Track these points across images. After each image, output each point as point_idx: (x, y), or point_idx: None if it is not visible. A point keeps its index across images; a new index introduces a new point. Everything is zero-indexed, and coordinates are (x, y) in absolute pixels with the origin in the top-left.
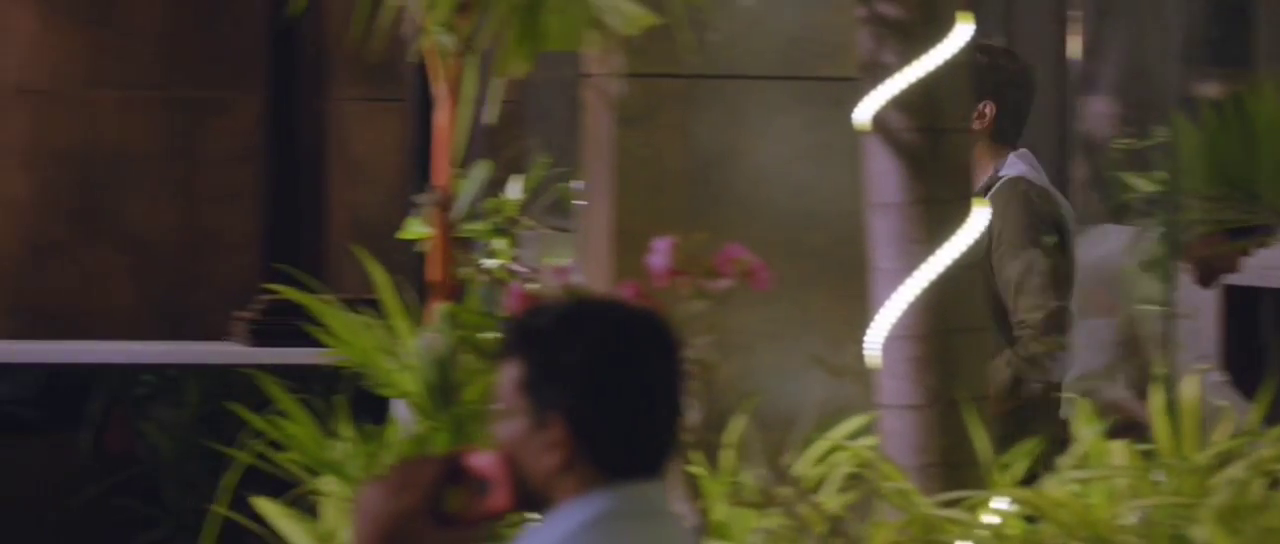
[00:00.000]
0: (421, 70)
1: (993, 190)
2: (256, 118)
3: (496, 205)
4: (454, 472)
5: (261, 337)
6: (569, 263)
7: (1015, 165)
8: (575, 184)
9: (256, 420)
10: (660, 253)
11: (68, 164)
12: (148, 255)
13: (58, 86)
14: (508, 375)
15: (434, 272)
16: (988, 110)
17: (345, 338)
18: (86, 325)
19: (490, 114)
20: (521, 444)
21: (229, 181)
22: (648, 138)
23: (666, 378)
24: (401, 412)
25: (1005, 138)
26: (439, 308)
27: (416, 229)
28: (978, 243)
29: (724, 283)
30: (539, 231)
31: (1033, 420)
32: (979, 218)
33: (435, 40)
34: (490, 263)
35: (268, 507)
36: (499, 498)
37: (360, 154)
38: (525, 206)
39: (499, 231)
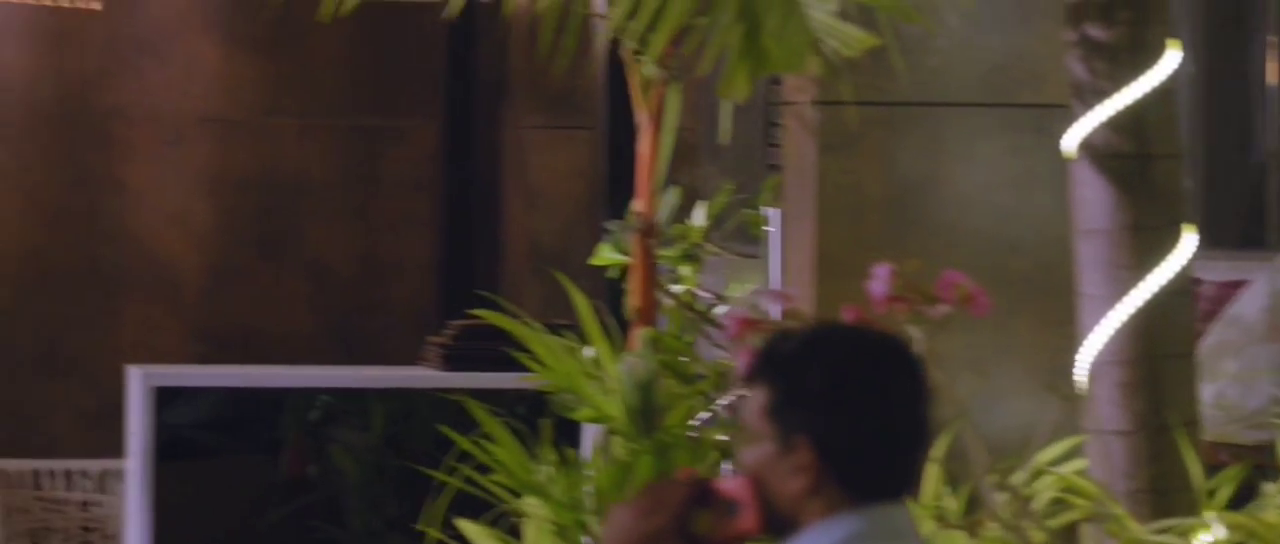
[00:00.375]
0: (611, 98)
1: None
2: (433, 145)
3: (682, 231)
4: (703, 494)
5: (454, 361)
6: (790, 289)
7: None
8: (764, 210)
9: (464, 443)
10: (879, 279)
11: (249, 191)
12: (326, 281)
13: (239, 115)
14: (754, 401)
15: (636, 297)
16: None
17: (549, 363)
18: (265, 350)
19: (723, 134)
20: (768, 468)
21: (406, 208)
22: (850, 164)
23: (912, 401)
24: (591, 436)
25: None
26: (640, 333)
27: (608, 255)
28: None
29: (942, 309)
30: (723, 257)
31: None
32: (1187, 244)
33: (641, 70)
34: (676, 288)
35: (471, 528)
36: (746, 520)
37: (539, 181)
38: (709, 232)
39: (686, 257)
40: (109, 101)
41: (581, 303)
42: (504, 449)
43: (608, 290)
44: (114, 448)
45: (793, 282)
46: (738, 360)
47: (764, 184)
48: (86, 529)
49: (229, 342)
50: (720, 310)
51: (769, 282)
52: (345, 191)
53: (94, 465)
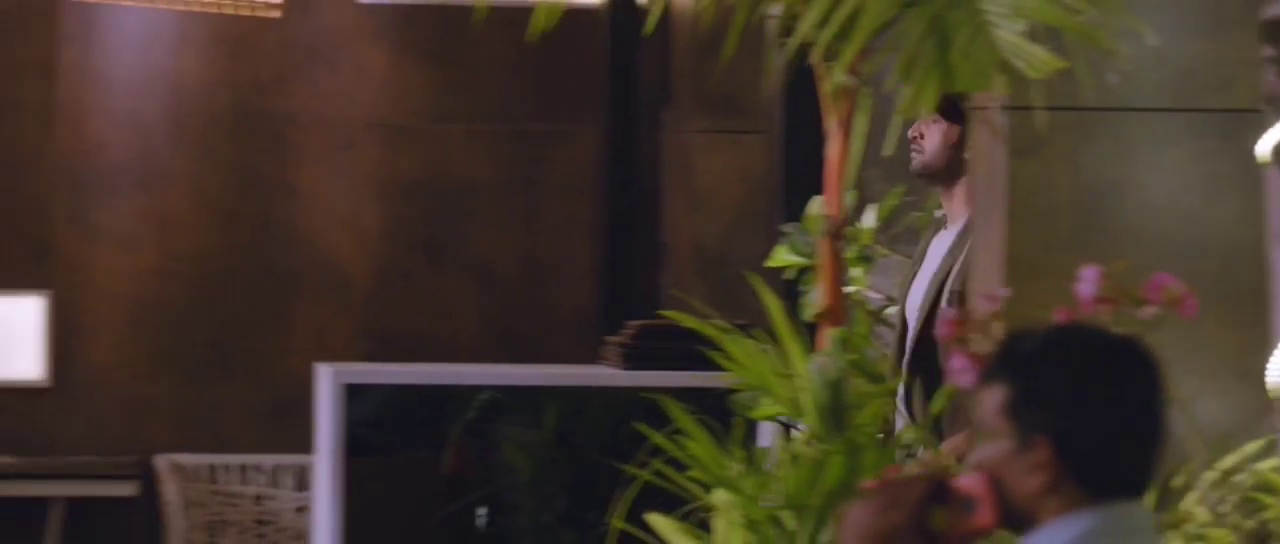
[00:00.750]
0: (785, 103)
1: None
2: (596, 150)
3: (853, 234)
4: (939, 491)
5: (633, 360)
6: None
7: None
8: (938, 213)
9: (657, 438)
10: (1087, 280)
11: (416, 195)
12: (490, 282)
13: (407, 121)
14: (992, 399)
15: (824, 297)
16: None
17: (742, 361)
18: (430, 349)
19: (888, 146)
20: (1005, 465)
21: (568, 211)
22: (1038, 168)
23: (1149, 400)
24: (770, 434)
25: None
26: (829, 332)
27: (784, 257)
28: (961, 274)
29: (1150, 310)
30: (892, 259)
31: None
32: None
33: (833, 78)
34: (847, 290)
35: (661, 522)
36: (983, 517)
37: (703, 184)
38: (878, 234)
39: (859, 259)
40: (282, 107)
41: (773, 303)
42: (698, 445)
43: (781, 291)
44: (286, 444)
45: (981, 281)
46: (949, 360)
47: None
48: (260, 522)
49: (395, 341)
50: (890, 311)
51: None
52: (509, 195)
53: (267, 460)
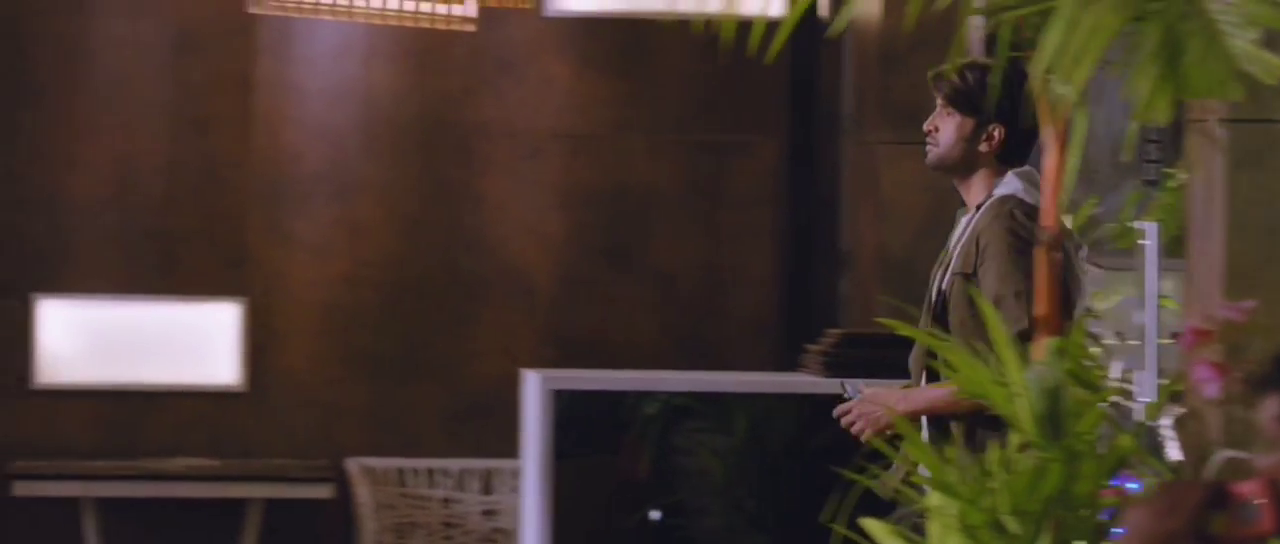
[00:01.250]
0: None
1: (984, 207)
2: (777, 160)
3: None
4: (1219, 496)
5: (834, 367)
6: (1197, 303)
7: (1010, 183)
8: (1140, 224)
9: (877, 443)
10: None
11: (599, 204)
12: (671, 290)
13: (590, 131)
14: (1270, 408)
15: (1041, 306)
16: (996, 134)
17: (961, 369)
18: (611, 355)
19: (1127, 152)
20: None
21: (749, 220)
22: (1260, 180)
23: None
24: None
25: (1011, 159)
26: (1047, 341)
27: None
28: (967, 257)
29: None
30: (1090, 270)
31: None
32: None
33: (1051, 90)
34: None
35: (874, 525)
36: (1265, 523)
37: (888, 195)
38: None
39: None
40: (469, 118)
41: (989, 312)
42: (917, 449)
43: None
44: (472, 448)
45: (1197, 296)
46: (1194, 370)
47: (1129, 198)
48: (447, 525)
49: (578, 346)
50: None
51: (1144, 293)
52: (690, 204)
53: (454, 464)
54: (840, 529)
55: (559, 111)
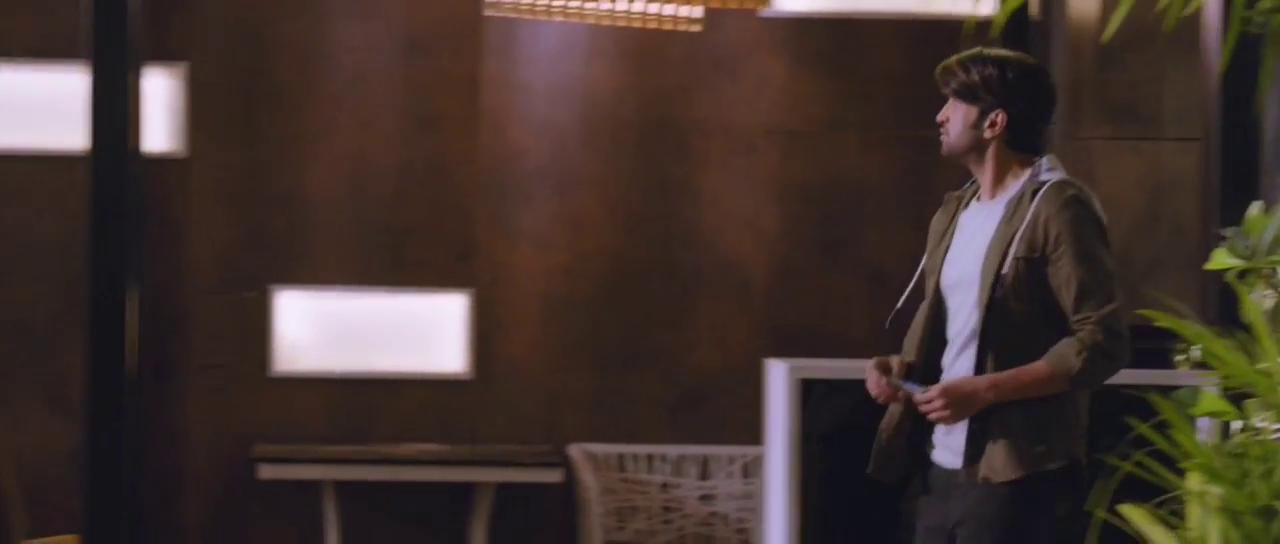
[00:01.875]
0: (1224, 109)
1: (1043, 191)
2: None
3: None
4: None
5: None
6: None
7: (1056, 169)
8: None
9: (1144, 429)
10: None
11: (812, 198)
12: (881, 282)
13: (804, 127)
14: None
15: None
16: (999, 119)
17: (1227, 360)
18: (824, 346)
19: None
20: None
21: None
22: None
23: None
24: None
25: (1022, 145)
26: None
27: (1224, 260)
28: (1032, 242)
29: None
30: None
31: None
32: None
33: None
34: None
35: (1134, 512)
36: None
37: (1105, 189)
38: None
39: None
40: (687, 115)
41: (1251, 307)
42: (1184, 435)
43: (1217, 294)
44: (689, 435)
45: None
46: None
47: None
48: (666, 509)
49: (791, 337)
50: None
51: None
52: (900, 199)
53: (672, 450)
54: (1101, 514)
55: (773, 108)
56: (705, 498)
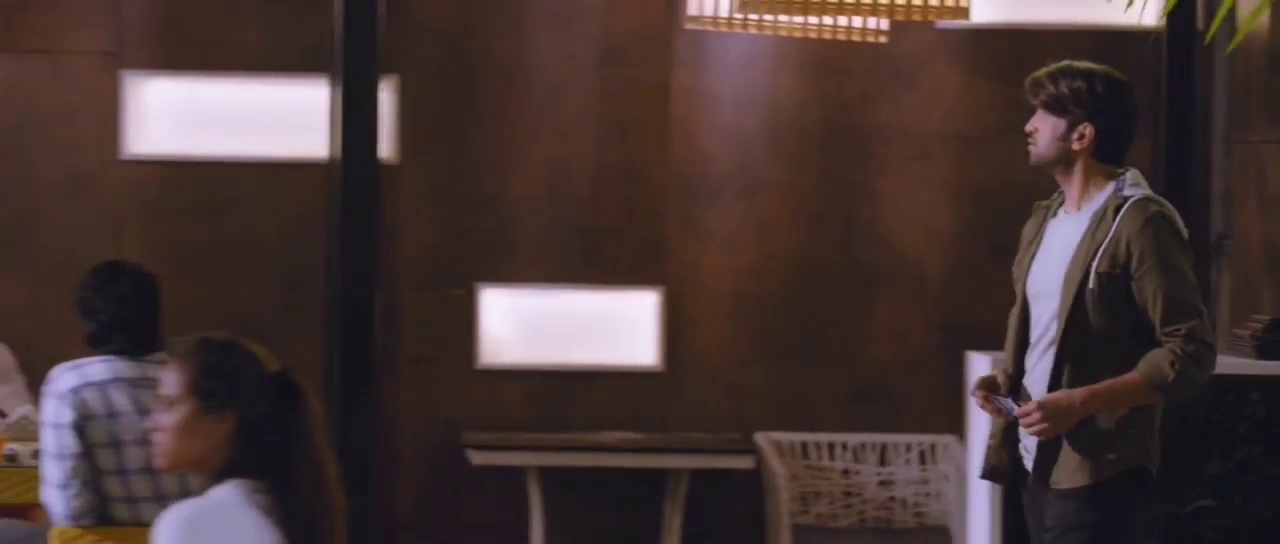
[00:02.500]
0: None
1: (1125, 209)
2: (1149, 159)
3: None
4: None
5: (1265, 349)
6: None
7: (1139, 184)
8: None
9: None
10: None
11: (984, 201)
12: None
13: (977, 133)
14: None
15: None
16: (1087, 132)
17: None
18: (994, 342)
19: None
20: None
21: None
22: None
23: None
24: None
25: (1108, 158)
26: None
27: None
28: (1115, 258)
29: None
30: None
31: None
32: None
33: None
34: None
35: None
36: None
37: (1273, 190)
38: None
39: None
40: (866, 122)
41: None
42: None
43: None
44: (867, 423)
45: None
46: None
47: None
48: (847, 494)
49: (965, 334)
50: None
51: None
52: None
53: (852, 438)
54: None
55: (948, 116)
56: (884, 483)
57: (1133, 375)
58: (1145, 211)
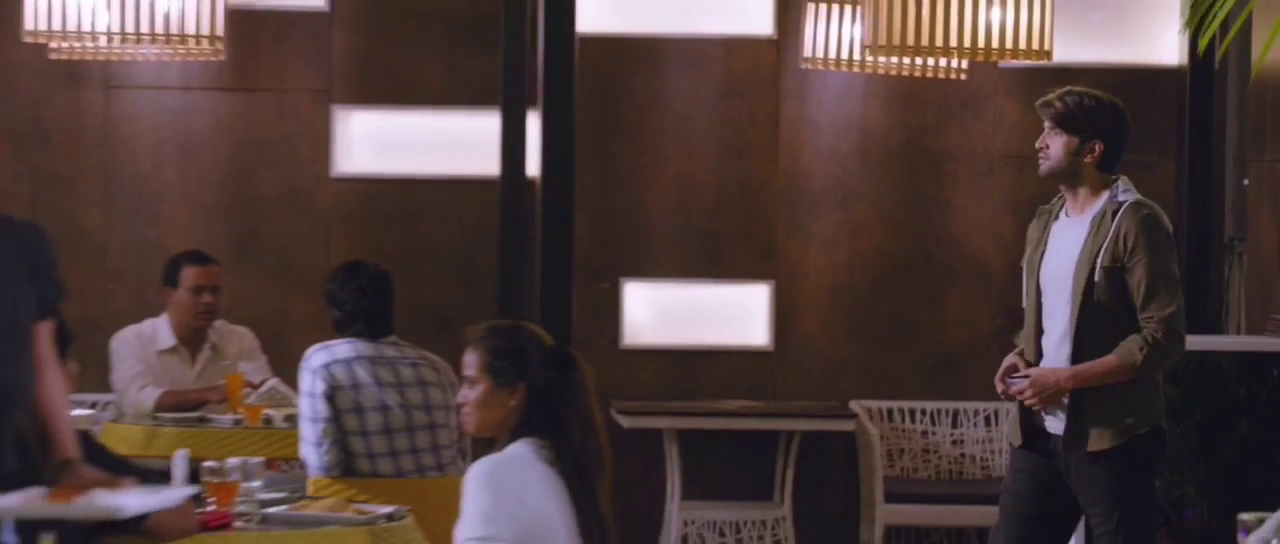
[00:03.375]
0: None
1: (1123, 211)
2: (1174, 176)
3: None
4: None
5: None
6: None
7: (1130, 190)
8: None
9: None
10: None
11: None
12: None
13: (1032, 153)
14: None
15: None
16: (1098, 148)
17: None
18: None
19: None
20: None
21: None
22: None
23: None
24: None
25: (1107, 168)
26: None
27: None
28: (1116, 253)
29: None
30: None
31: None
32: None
33: None
34: None
35: None
36: None
37: None
38: None
39: None
40: (940, 144)
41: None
42: None
43: None
44: (942, 393)
45: None
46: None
47: None
48: (925, 451)
49: (1019, 319)
50: None
51: None
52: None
53: (929, 405)
54: None
55: (1008, 138)
56: (955, 443)
57: (1109, 358)
58: (1139, 213)
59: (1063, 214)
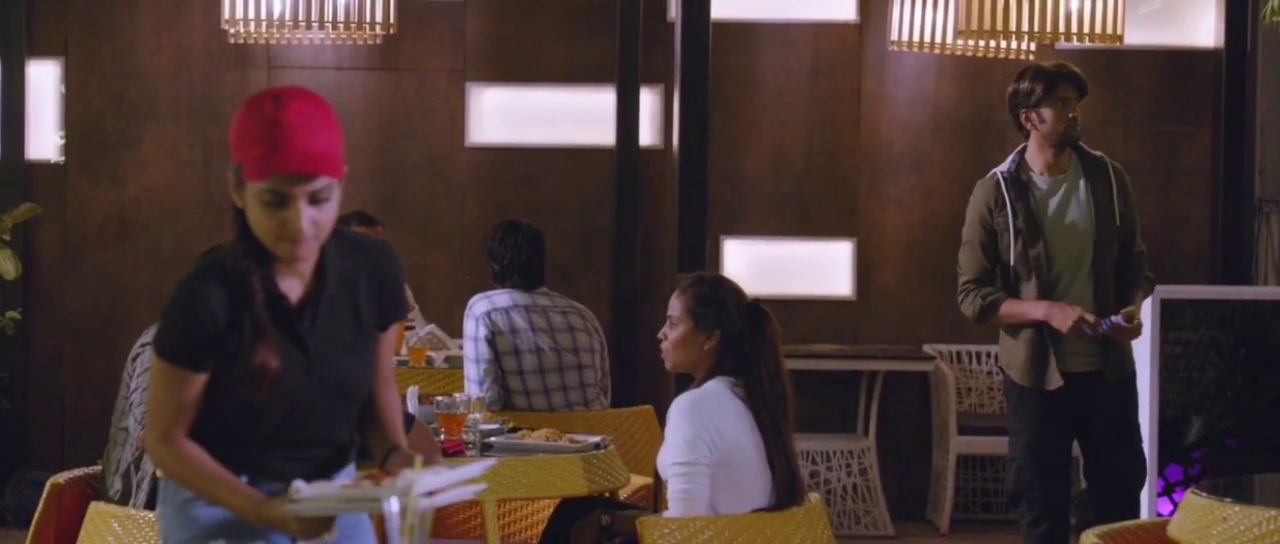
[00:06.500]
0: None
1: (1109, 166)
2: (1212, 144)
3: None
4: None
5: None
6: None
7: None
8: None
9: None
10: None
11: None
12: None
13: (1085, 123)
14: None
15: None
16: (1076, 115)
17: None
18: None
19: None
20: None
21: (1192, 186)
22: None
23: None
24: None
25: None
26: None
27: None
28: (1122, 199)
29: None
30: None
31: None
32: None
33: None
34: None
35: None
36: None
37: None
38: None
39: None
40: (1004, 116)
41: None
42: None
43: None
44: (996, 339)
45: None
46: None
47: None
48: (990, 389)
49: None
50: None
51: None
52: (1153, 173)
53: (993, 349)
54: None
55: None
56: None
57: (1141, 293)
58: (1118, 169)
59: (1036, 178)
